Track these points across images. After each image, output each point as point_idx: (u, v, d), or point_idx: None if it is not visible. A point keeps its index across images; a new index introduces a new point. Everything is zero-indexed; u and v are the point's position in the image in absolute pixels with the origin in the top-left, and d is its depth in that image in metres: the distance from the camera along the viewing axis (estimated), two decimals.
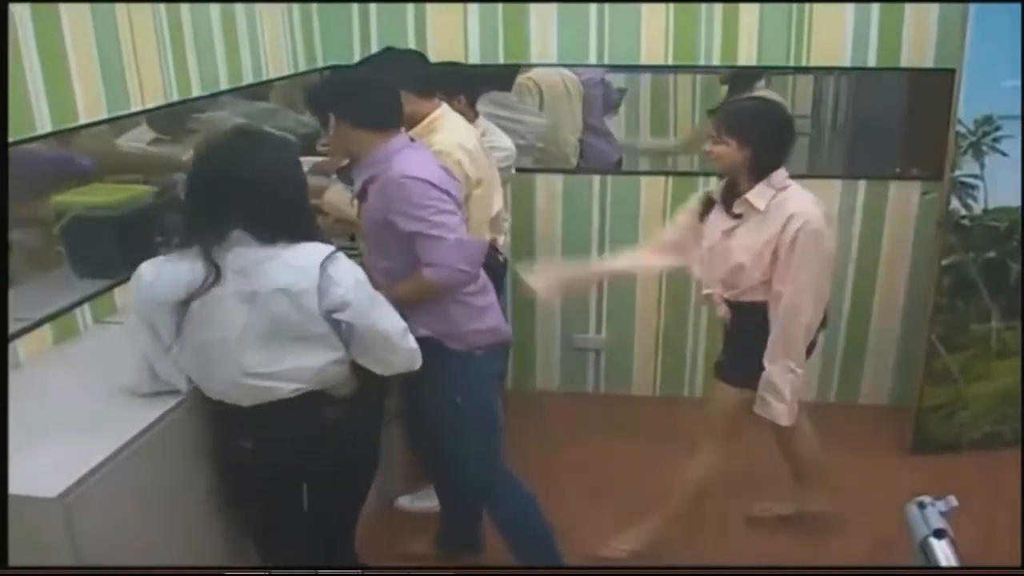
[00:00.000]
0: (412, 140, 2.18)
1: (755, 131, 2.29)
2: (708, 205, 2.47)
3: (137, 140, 2.47)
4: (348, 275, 1.76)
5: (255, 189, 1.72)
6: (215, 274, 1.68)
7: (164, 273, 1.71)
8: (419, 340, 1.94)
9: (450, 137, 2.48)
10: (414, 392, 2.33)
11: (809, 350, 2.45)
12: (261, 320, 1.71)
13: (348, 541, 2.11)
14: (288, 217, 1.76)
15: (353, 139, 2.10)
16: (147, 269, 1.75)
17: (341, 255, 1.78)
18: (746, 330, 2.41)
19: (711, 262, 2.45)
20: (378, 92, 2.12)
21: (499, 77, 3.40)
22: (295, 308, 1.71)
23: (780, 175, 2.32)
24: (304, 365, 1.77)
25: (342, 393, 1.86)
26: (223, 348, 1.72)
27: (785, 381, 2.33)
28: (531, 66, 3.40)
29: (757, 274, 2.32)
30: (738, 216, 2.35)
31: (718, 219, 2.42)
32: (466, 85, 2.90)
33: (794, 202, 2.28)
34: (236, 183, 1.71)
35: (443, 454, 2.41)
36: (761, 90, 3.26)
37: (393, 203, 2.04)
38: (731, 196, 2.38)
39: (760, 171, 2.30)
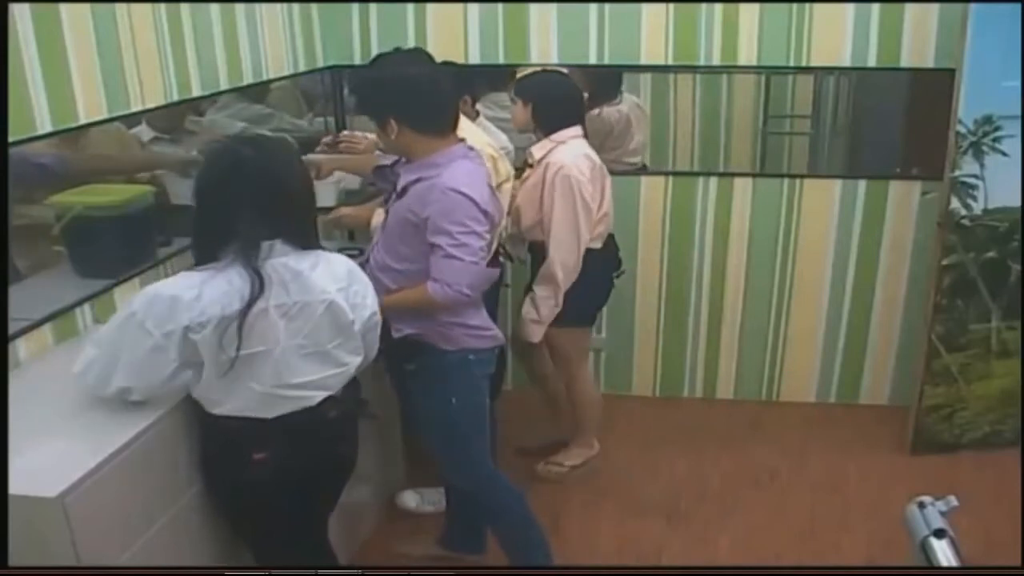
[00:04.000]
0: (471, 149, 2.18)
1: (535, 94, 2.79)
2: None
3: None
4: (369, 288, 1.87)
5: (294, 197, 1.73)
6: (260, 284, 1.63)
7: (204, 290, 1.63)
8: (411, 339, 1.96)
9: (479, 139, 2.49)
10: (409, 392, 2.34)
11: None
12: (303, 331, 1.71)
13: (326, 536, 2.10)
14: (314, 224, 1.82)
15: (412, 142, 2.13)
16: (179, 287, 1.64)
17: (357, 267, 1.86)
18: (534, 267, 2.89)
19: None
20: (440, 97, 2.14)
21: (502, 76, 3.39)
22: (334, 318, 1.75)
23: (564, 133, 2.77)
24: (337, 372, 1.80)
25: (340, 394, 1.87)
26: (264, 361, 1.69)
27: (542, 304, 2.79)
28: (529, 66, 3.39)
29: (531, 214, 2.78)
30: (530, 166, 2.82)
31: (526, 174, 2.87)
32: (472, 85, 2.91)
33: (560, 154, 2.72)
34: (276, 185, 1.69)
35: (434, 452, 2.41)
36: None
37: (431, 210, 2.05)
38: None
39: (545, 130, 2.78)
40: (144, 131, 2.47)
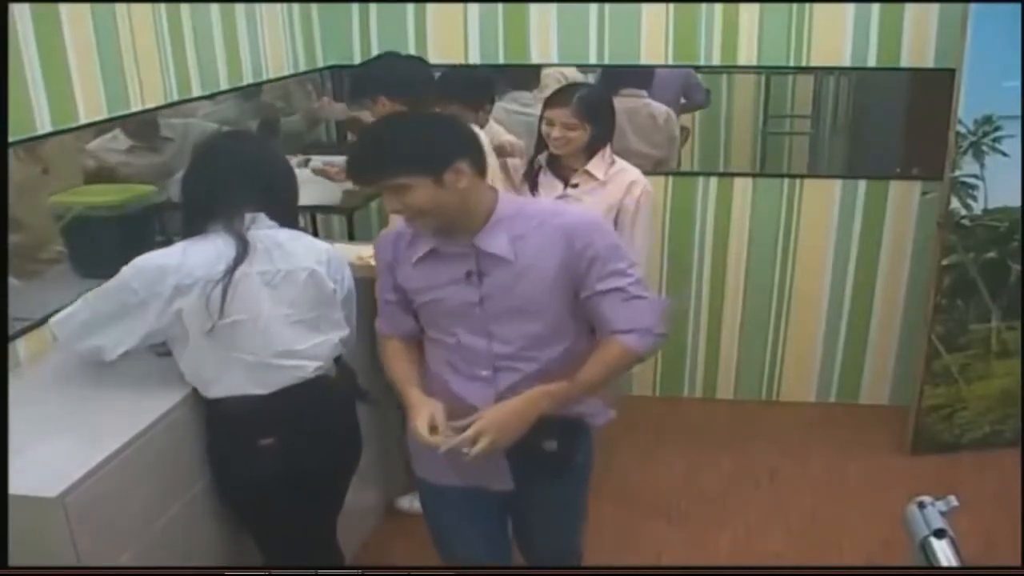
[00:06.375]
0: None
1: (600, 113, 2.54)
2: (534, 178, 2.64)
3: (113, 146, 2.43)
4: (345, 266, 1.95)
5: (275, 173, 1.87)
6: (245, 248, 1.73)
7: (189, 253, 1.73)
8: (561, 419, 1.69)
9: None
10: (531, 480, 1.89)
11: None
12: (287, 298, 1.79)
13: (335, 534, 2.11)
14: (295, 207, 1.94)
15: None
16: (165, 253, 1.75)
17: (334, 249, 1.97)
18: None
19: None
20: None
21: (522, 76, 3.42)
22: (317, 287, 1.83)
23: (609, 149, 2.58)
24: (323, 341, 1.86)
25: (333, 375, 1.94)
26: (251, 330, 1.75)
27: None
28: (528, 66, 3.40)
29: None
30: (575, 185, 2.55)
31: (548, 188, 2.59)
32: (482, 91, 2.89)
33: (630, 172, 2.56)
34: (258, 164, 1.84)
35: None
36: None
37: (591, 252, 1.64)
38: (559, 168, 2.58)
39: (596, 148, 2.54)
40: (121, 140, 2.44)
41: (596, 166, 2.52)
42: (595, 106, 2.52)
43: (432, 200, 1.55)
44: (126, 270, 1.74)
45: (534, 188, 2.62)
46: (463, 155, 1.57)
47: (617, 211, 2.52)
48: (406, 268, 1.71)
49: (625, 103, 3.33)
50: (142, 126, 2.48)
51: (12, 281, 1.90)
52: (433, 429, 1.61)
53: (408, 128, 1.61)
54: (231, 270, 1.71)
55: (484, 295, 1.65)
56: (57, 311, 1.83)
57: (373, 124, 1.66)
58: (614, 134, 2.59)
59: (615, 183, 2.52)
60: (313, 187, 2.92)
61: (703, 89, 3.41)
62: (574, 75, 3.39)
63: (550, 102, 2.52)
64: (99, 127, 2.29)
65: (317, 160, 3.11)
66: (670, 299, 1.93)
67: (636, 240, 2.53)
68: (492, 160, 2.59)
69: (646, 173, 2.63)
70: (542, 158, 2.60)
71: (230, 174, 1.81)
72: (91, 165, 2.32)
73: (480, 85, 2.88)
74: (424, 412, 1.63)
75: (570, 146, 2.50)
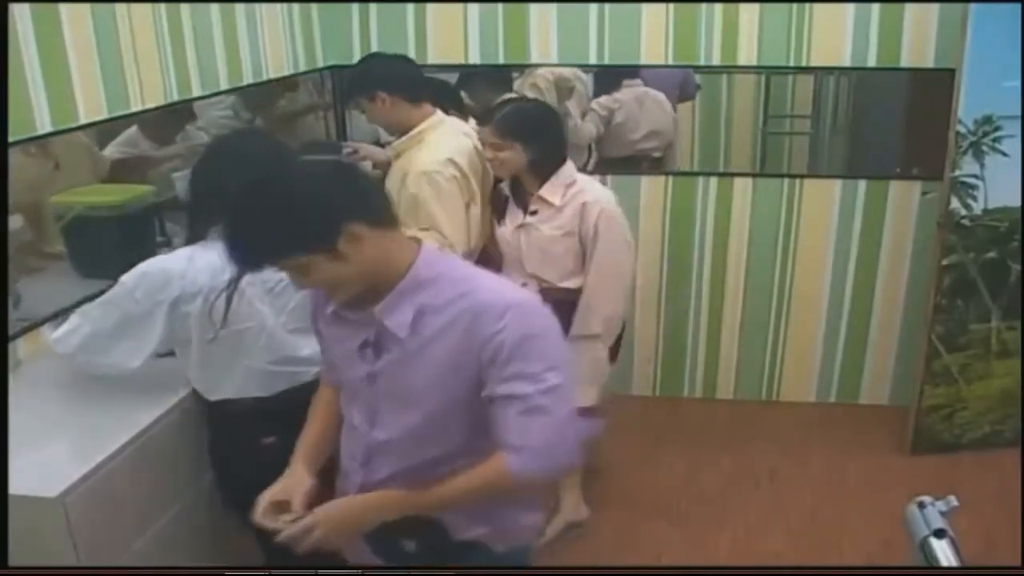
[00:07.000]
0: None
1: (535, 132, 2.34)
2: (501, 206, 2.52)
3: (130, 146, 2.45)
4: None
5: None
6: None
7: (194, 261, 1.72)
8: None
9: (438, 153, 2.43)
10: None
11: (615, 350, 2.51)
12: (287, 307, 1.78)
13: None
14: None
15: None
16: (171, 259, 1.74)
17: None
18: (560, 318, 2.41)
19: (518, 257, 2.49)
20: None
21: (499, 80, 3.40)
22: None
23: (567, 168, 2.40)
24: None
25: None
26: (254, 337, 1.75)
27: (583, 361, 2.36)
28: (525, 66, 3.40)
29: (569, 264, 2.40)
30: (533, 213, 2.42)
31: (512, 217, 2.48)
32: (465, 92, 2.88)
33: (587, 193, 2.38)
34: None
35: None
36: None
37: (494, 337, 1.31)
38: (521, 194, 2.45)
39: (546, 169, 2.37)
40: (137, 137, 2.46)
41: (550, 190, 2.37)
42: (521, 124, 2.34)
43: (335, 275, 1.30)
44: (129, 276, 1.72)
45: (501, 217, 2.51)
46: (355, 215, 1.27)
47: (579, 238, 2.38)
48: (321, 320, 1.51)
49: (632, 92, 3.41)
50: (159, 126, 2.51)
51: (16, 278, 1.91)
52: (284, 506, 1.42)
53: (280, 199, 1.28)
54: (236, 280, 1.70)
55: (376, 371, 1.39)
56: (57, 313, 1.83)
57: (239, 197, 1.29)
58: (563, 153, 2.41)
59: (572, 207, 2.36)
60: None
61: (694, 83, 3.42)
62: (561, 75, 3.39)
63: (480, 121, 2.40)
64: (113, 127, 2.31)
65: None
66: (599, 423, 1.62)
67: (600, 269, 2.36)
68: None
69: (653, 166, 2.54)
70: (505, 185, 2.50)
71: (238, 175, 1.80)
72: (103, 162, 2.33)
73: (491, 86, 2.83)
74: (278, 488, 1.45)
75: (505, 168, 2.38)
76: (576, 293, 2.42)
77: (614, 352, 2.58)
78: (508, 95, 3.18)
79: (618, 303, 2.42)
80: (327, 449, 1.56)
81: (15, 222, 1.98)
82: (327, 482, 1.53)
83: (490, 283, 1.39)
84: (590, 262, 2.36)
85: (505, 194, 2.52)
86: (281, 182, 1.30)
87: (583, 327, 2.38)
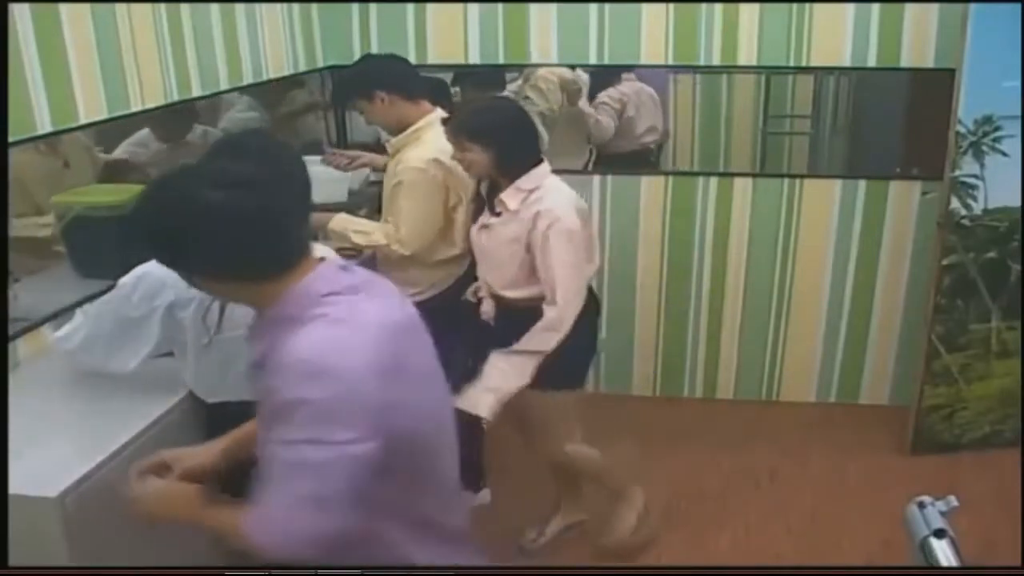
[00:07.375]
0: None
1: (494, 133, 2.25)
2: (480, 206, 2.47)
3: (141, 145, 2.46)
4: None
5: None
6: None
7: None
8: None
9: (427, 152, 2.43)
10: None
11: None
12: None
13: None
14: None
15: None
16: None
17: None
18: (507, 326, 2.34)
19: (478, 258, 2.45)
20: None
21: (491, 80, 3.40)
22: None
23: (537, 172, 2.29)
24: None
25: None
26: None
27: (509, 371, 2.25)
28: (525, 66, 3.40)
29: (514, 270, 2.31)
30: (497, 214, 2.33)
31: (483, 217, 2.41)
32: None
33: (543, 202, 2.25)
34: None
35: None
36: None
37: (273, 391, 1.23)
38: (494, 193, 2.36)
39: (513, 170, 2.28)
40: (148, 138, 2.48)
41: (511, 194, 2.28)
42: (479, 126, 2.27)
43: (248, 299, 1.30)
44: (127, 280, 1.74)
45: (477, 217, 2.46)
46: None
47: (525, 246, 2.28)
48: None
49: (631, 86, 3.41)
50: (169, 127, 2.51)
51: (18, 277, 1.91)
52: (165, 469, 1.43)
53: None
54: None
55: (257, 390, 1.31)
56: (57, 314, 1.84)
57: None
58: (533, 154, 2.32)
59: (526, 214, 2.26)
60: (318, 187, 2.91)
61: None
62: (563, 76, 3.41)
63: (443, 121, 2.35)
64: (115, 127, 2.31)
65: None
66: (344, 518, 1.28)
67: (551, 278, 2.25)
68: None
69: (651, 155, 2.50)
70: (483, 185, 2.46)
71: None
72: (111, 161, 2.34)
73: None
74: (177, 452, 1.46)
75: (473, 169, 2.32)
76: (517, 303, 2.34)
77: None
78: (499, 95, 3.19)
79: (574, 316, 2.29)
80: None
81: (46, 221, 1.99)
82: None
83: (312, 334, 1.21)
84: (543, 271, 2.27)
85: (482, 194, 2.49)
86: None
87: (541, 344, 2.25)
